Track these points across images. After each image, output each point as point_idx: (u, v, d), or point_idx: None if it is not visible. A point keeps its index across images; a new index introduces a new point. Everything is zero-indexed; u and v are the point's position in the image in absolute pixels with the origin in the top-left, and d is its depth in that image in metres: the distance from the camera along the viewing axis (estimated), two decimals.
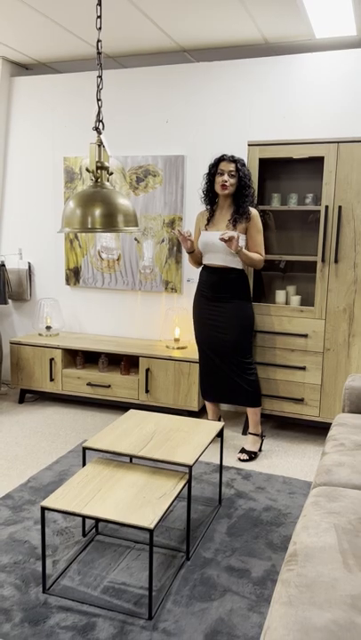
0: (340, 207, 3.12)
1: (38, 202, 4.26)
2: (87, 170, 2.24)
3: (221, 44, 3.60)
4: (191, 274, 3.94)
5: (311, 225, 3.53)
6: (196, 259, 3.24)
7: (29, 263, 4.34)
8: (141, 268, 4.03)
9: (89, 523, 2.40)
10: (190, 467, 2.12)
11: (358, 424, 2.45)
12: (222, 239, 2.93)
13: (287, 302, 3.43)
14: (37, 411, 3.93)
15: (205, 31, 3.36)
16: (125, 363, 3.80)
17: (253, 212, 3.12)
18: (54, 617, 1.84)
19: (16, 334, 4.46)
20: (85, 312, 4.29)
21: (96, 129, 2.28)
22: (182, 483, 2.09)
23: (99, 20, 2.26)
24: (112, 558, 2.18)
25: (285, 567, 1.46)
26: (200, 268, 3.28)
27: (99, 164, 2.26)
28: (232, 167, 3.06)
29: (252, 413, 3.25)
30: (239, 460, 3.16)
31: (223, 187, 3.07)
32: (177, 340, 3.86)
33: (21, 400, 4.09)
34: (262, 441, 3.31)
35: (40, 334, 4.17)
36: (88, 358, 4.10)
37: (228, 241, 2.94)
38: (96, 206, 2.21)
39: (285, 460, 3.18)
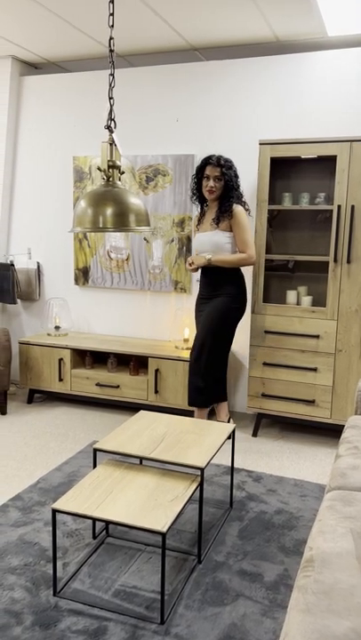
0: (352, 206, 3.09)
1: (47, 201, 4.25)
2: (99, 169, 2.22)
3: (232, 43, 3.57)
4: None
5: (323, 225, 3.49)
6: None
7: (38, 263, 4.33)
8: (151, 268, 4.01)
9: (99, 525, 2.38)
10: (202, 469, 2.10)
11: None
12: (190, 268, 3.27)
13: (298, 303, 3.40)
14: (46, 411, 3.92)
15: (216, 29, 3.33)
16: (134, 363, 3.78)
17: (237, 209, 3.16)
18: (65, 621, 1.82)
19: (25, 334, 4.45)
20: (94, 312, 4.27)
21: (108, 127, 2.25)
22: (194, 485, 2.06)
23: (111, 17, 2.24)
24: (123, 561, 2.16)
25: (302, 573, 1.43)
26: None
27: (110, 163, 2.24)
28: (217, 172, 3.14)
29: (223, 407, 3.39)
30: None
31: (210, 192, 3.18)
32: (186, 341, 3.83)
33: (30, 400, 4.08)
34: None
35: (49, 334, 4.16)
36: (97, 358, 4.09)
37: (192, 265, 3.24)
38: (108, 205, 2.19)
39: (296, 462, 3.15)
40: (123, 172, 2.30)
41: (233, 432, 2.53)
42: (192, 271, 3.34)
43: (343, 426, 3.27)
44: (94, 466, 2.31)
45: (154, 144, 3.90)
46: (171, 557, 2.19)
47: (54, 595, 1.95)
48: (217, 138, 3.72)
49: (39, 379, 3.99)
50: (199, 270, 3.36)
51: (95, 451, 2.27)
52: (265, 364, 3.37)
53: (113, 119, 2.25)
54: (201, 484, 2.10)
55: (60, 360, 3.90)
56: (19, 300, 4.43)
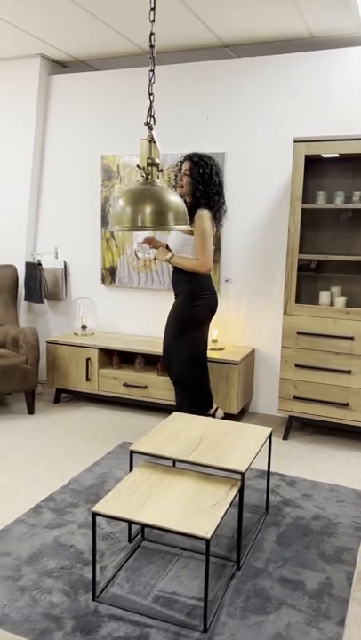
0: None
1: (75, 200, 4.23)
2: (138, 166, 2.18)
3: (265, 39, 3.51)
4: (229, 274, 3.86)
5: (358, 224, 3.41)
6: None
7: (65, 262, 4.32)
8: None
9: (134, 528, 2.34)
10: (243, 474, 2.05)
11: None
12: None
13: (332, 303, 3.33)
14: (73, 411, 3.90)
15: (250, 25, 3.28)
16: (162, 363, 3.74)
17: (199, 213, 3.02)
18: (106, 626, 1.79)
19: (51, 333, 4.44)
20: (121, 312, 4.24)
21: (147, 124, 2.22)
22: (235, 490, 2.02)
23: (152, 11, 2.21)
24: (160, 566, 2.12)
25: (358, 586, 1.38)
26: None
27: (149, 161, 2.20)
28: (187, 166, 3.08)
29: None
30: None
31: (178, 186, 3.14)
32: (215, 341, 3.78)
33: (57, 400, 4.07)
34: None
35: (75, 334, 4.14)
36: (123, 358, 4.05)
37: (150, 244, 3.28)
38: (146, 204, 2.15)
39: (330, 466, 3.08)
40: (161, 170, 2.27)
41: (270, 435, 2.47)
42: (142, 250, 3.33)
43: None
44: (130, 468, 2.28)
45: (183, 142, 3.85)
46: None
47: (93, 599, 1.92)
48: (248, 135, 3.67)
49: (66, 378, 3.97)
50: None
51: (132, 452, 2.24)
52: (297, 365, 3.30)
53: (152, 116, 2.21)
54: (241, 489, 2.06)
55: (88, 360, 3.88)
56: (45, 300, 4.41)
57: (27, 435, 3.43)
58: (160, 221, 2.17)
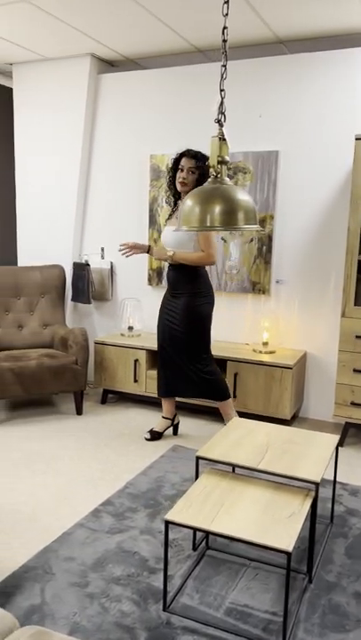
0: None
1: (122, 200, 4.20)
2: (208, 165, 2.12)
3: (322, 34, 3.42)
4: (281, 274, 3.77)
5: None
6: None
7: (111, 263, 4.30)
8: (227, 269, 3.90)
9: (198, 535, 2.28)
10: (318, 484, 1.97)
11: None
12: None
13: None
14: (120, 412, 3.87)
15: (309, 20, 3.18)
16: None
17: None
18: (180, 639, 1.73)
19: (96, 334, 4.42)
20: None
21: (218, 121, 2.16)
22: (309, 501, 1.94)
23: (225, 5, 2.14)
24: (228, 576, 2.06)
25: None
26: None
27: (219, 159, 2.14)
28: (192, 164, 3.05)
29: (222, 407, 3.30)
30: (145, 439, 3.35)
31: (182, 183, 3.07)
32: (266, 344, 3.70)
33: (103, 400, 4.04)
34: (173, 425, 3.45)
35: (122, 334, 4.11)
36: None
37: (131, 250, 3.22)
38: (216, 203, 2.09)
39: None
40: (230, 168, 2.20)
41: (339, 443, 2.39)
42: (126, 253, 3.25)
43: None
44: (196, 474, 2.22)
45: (234, 141, 3.76)
46: (278, 574, 2.08)
47: (164, 610, 1.86)
48: (303, 133, 3.58)
49: (113, 379, 3.95)
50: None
51: (198, 458, 2.18)
52: (355, 370, 3.20)
53: (223, 113, 2.15)
54: (315, 500, 1.98)
55: (136, 361, 3.84)
56: (92, 300, 4.40)
57: (76, 435, 3.41)
58: (230, 221, 2.11)
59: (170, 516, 1.83)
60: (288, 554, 1.66)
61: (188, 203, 2.16)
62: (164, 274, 4.11)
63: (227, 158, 2.17)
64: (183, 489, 2.73)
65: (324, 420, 3.74)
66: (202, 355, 3.21)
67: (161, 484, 2.79)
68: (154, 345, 3.83)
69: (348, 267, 3.19)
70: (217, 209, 2.09)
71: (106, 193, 4.26)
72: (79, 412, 3.77)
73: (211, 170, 2.13)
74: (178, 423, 3.48)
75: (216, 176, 2.15)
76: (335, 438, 2.36)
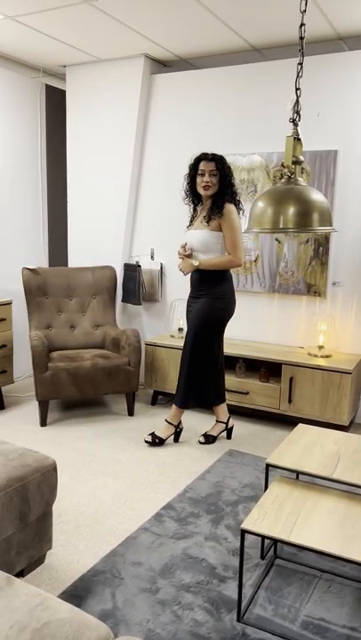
0: None
1: (172, 201, 4.18)
2: (282, 165, 2.08)
3: None
4: (338, 276, 3.68)
5: None
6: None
7: (161, 264, 4.28)
8: (282, 270, 3.83)
9: (266, 543, 2.24)
10: None
11: None
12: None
13: None
14: None
15: None
16: (265, 369, 3.62)
17: (227, 207, 3.02)
18: None
19: (145, 335, 4.41)
20: None
21: (292, 121, 2.11)
22: None
23: (302, 1, 2.09)
24: (301, 588, 2.00)
25: None
26: None
27: (294, 159, 2.09)
28: (212, 166, 3.01)
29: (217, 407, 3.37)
30: (199, 442, 3.32)
31: (205, 187, 3.04)
32: (321, 347, 3.62)
33: (154, 402, 4.03)
34: (226, 429, 3.40)
35: (172, 336, 4.09)
36: None
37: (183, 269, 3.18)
38: (290, 204, 2.04)
39: None
40: (304, 169, 2.15)
41: None
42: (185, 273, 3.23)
43: None
44: (266, 482, 2.17)
45: None
46: (352, 588, 2.01)
47: (238, 620, 1.82)
48: None
49: (164, 381, 3.93)
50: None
51: (268, 466, 2.13)
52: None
53: (298, 112, 2.10)
54: None
55: None
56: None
57: (130, 437, 3.41)
58: (304, 223, 2.05)
59: (246, 525, 1.79)
60: None
61: (259, 204, 2.12)
62: None
63: (301, 158, 2.12)
64: (244, 495, 2.69)
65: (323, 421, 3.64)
66: (209, 358, 3.19)
67: (220, 489, 2.75)
68: None
69: None
70: (291, 210, 2.04)
71: (157, 194, 4.24)
72: (131, 412, 3.77)
73: (285, 170, 2.08)
74: (181, 430, 3.36)
75: (290, 176, 2.10)
76: None
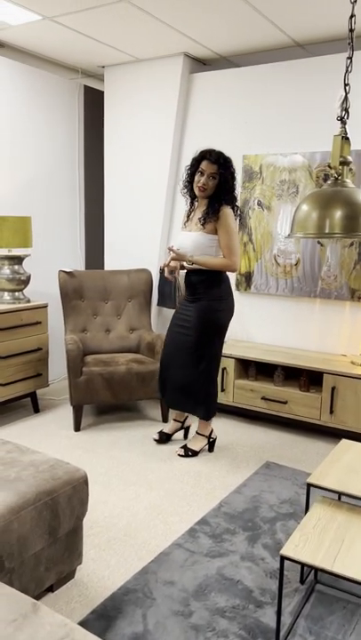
0: None
1: None
2: (329, 166, 1.95)
3: None
4: None
5: None
6: None
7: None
8: (324, 274, 3.68)
9: (306, 567, 2.11)
10: None
11: None
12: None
13: None
14: None
15: None
16: (305, 378, 3.47)
17: (224, 210, 2.85)
18: None
19: None
20: (255, 320, 4.03)
21: (340, 119, 1.98)
22: None
23: None
24: (344, 618, 1.87)
25: None
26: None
27: (341, 159, 1.96)
28: (214, 169, 2.82)
29: (201, 423, 3.22)
30: (178, 454, 3.15)
31: (200, 189, 2.89)
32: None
33: None
34: (209, 442, 3.23)
35: None
36: (259, 370, 3.83)
37: (168, 267, 3.03)
38: (337, 208, 1.91)
39: None
40: (351, 169, 2.01)
41: None
42: (168, 276, 3.07)
43: None
44: (307, 503, 2.05)
45: (324, 139, 3.53)
46: None
47: None
48: None
49: None
50: (181, 278, 3.12)
51: (309, 486, 2.01)
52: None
53: (347, 109, 1.97)
54: None
55: (223, 369, 3.70)
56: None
57: (164, 445, 3.32)
58: (353, 227, 1.92)
59: (286, 551, 1.67)
60: None
61: (303, 207, 1.99)
62: (254, 278, 3.95)
63: (349, 158, 1.98)
64: (282, 512, 2.56)
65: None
66: (208, 367, 3.03)
67: (257, 504, 2.63)
68: (243, 354, 3.68)
69: None
70: (338, 214, 1.91)
71: None
72: (165, 419, 3.69)
73: (331, 171, 1.96)
74: (189, 427, 3.35)
75: (337, 178, 1.97)
76: None
